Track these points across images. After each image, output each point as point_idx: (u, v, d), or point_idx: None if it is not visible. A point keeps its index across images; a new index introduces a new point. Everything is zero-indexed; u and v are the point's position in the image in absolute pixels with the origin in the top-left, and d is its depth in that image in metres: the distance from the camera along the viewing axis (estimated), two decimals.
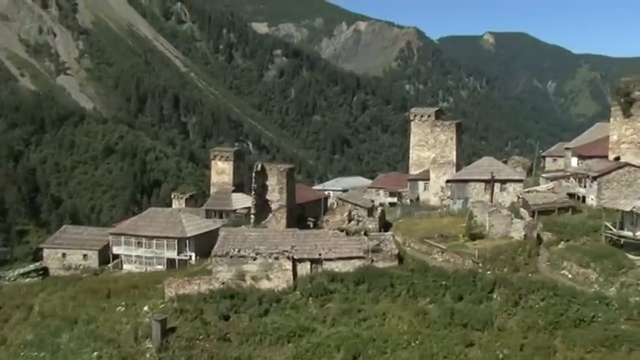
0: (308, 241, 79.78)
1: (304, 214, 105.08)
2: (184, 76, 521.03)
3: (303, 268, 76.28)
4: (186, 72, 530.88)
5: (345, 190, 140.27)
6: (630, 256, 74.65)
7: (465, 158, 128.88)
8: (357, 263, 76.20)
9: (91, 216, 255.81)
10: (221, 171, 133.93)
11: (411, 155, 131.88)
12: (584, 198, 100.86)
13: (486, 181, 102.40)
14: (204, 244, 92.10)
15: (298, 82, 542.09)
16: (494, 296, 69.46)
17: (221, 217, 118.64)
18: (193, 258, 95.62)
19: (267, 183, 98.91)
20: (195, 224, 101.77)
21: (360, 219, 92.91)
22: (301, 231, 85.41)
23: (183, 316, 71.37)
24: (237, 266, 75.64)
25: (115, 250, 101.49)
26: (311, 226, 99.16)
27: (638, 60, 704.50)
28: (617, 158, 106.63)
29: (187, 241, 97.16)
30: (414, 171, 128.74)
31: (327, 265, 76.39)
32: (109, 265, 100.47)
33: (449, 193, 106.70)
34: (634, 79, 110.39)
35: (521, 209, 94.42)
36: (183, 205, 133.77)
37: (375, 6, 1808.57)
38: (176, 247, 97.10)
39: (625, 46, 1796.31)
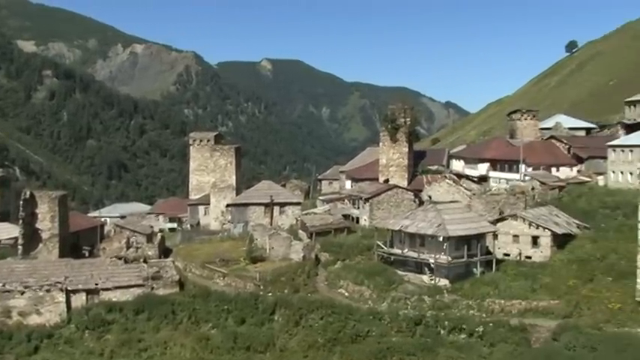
0: (83, 270, 75.72)
1: (79, 243, 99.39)
2: None
3: (78, 300, 72.16)
4: None
5: (122, 217, 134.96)
6: (399, 272, 79.96)
7: (244, 182, 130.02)
8: (137, 291, 73.69)
9: None
10: None
11: (190, 180, 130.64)
12: (357, 219, 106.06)
13: (266, 205, 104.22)
14: None
15: (71, 104, 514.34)
16: (276, 317, 70.49)
17: None
18: None
19: (37, 211, 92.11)
20: None
21: (139, 246, 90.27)
22: (76, 260, 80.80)
23: None
24: (2, 302, 69.65)
25: None
26: (86, 255, 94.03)
27: (403, 89, 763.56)
28: (387, 180, 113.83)
29: None
30: (194, 196, 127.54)
31: (104, 295, 72.99)
32: None
33: (229, 217, 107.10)
34: (399, 107, 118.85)
35: (300, 231, 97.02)
36: None
37: (151, 29, 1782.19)
38: None
39: (390, 76, 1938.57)
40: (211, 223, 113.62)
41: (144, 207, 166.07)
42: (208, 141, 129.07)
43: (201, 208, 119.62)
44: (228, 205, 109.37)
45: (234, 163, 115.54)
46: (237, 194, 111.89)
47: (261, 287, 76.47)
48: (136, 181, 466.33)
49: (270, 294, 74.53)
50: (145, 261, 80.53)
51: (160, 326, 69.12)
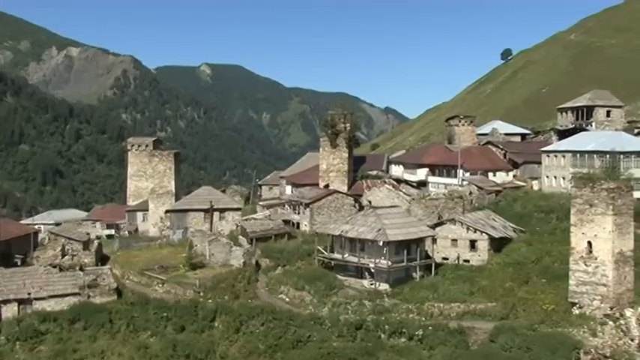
0: (15, 279, 73.16)
1: (10, 251, 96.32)
2: None
3: (9, 310, 69.79)
4: None
5: (58, 224, 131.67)
6: (340, 277, 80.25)
7: (184, 188, 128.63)
8: (72, 300, 71.76)
9: None
10: None
11: (128, 186, 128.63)
12: (298, 224, 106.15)
13: (205, 211, 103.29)
14: None
15: (2, 108, 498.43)
16: (216, 324, 69.78)
17: None
18: None
19: None
20: None
21: (75, 253, 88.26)
22: (7, 269, 78.02)
23: None
24: None
25: None
26: (18, 263, 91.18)
27: (342, 95, 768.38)
28: (327, 186, 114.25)
29: None
30: (132, 202, 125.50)
31: (37, 305, 70.80)
32: None
33: (168, 224, 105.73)
34: (339, 113, 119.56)
35: (240, 237, 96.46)
36: None
37: (87, 31, 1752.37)
38: None
39: (330, 82, 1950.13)
40: (150, 229, 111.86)
41: (80, 214, 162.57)
42: (147, 146, 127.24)
43: (139, 215, 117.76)
44: (167, 211, 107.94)
45: (173, 168, 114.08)
46: (176, 200, 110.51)
47: (201, 294, 75.57)
48: (71, 187, 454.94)
49: (210, 301, 73.69)
50: (81, 269, 78.65)
51: (96, 335, 67.52)
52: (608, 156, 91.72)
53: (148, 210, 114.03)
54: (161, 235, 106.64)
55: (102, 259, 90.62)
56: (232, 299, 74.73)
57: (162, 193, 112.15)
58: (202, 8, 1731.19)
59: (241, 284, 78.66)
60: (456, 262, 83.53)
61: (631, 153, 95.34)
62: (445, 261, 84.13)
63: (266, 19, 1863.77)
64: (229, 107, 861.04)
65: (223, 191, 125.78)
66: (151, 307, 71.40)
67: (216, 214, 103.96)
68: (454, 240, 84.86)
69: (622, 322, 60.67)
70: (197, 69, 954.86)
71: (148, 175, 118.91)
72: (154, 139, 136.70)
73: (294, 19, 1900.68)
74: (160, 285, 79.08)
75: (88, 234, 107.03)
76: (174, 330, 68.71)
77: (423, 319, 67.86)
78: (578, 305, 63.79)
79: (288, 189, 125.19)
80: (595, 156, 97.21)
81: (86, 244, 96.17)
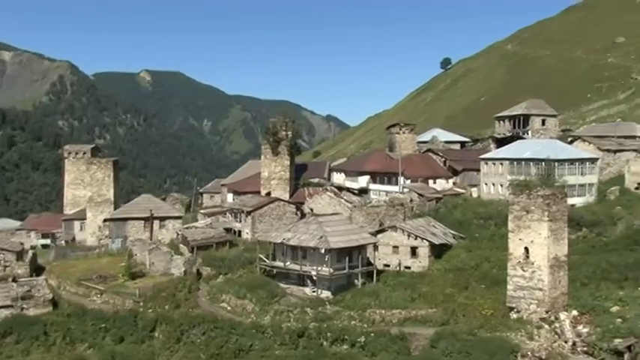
0: None
1: None
2: None
3: None
4: None
5: None
6: (282, 285, 80.00)
7: (123, 196, 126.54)
8: (4, 313, 69.73)
9: None
10: None
11: (65, 194, 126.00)
12: (240, 232, 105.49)
13: (145, 219, 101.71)
14: None
15: None
16: (157, 334, 68.73)
17: None
18: None
19: None
20: None
21: (8, 264, 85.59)
22: None
23: None
24: None
25: None
26: None
27: (284, 102, 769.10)
28: (269, 193, 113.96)
29: None
30: (69, 211, 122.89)
31: None
32: None
33: (107, 232, 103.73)
34: (280, 121, 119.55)
35: (181, 245, 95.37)
36: None
37: (21, 36, 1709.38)
38: None
39: (272, 90, 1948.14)
40: (88, 238, 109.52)
41: (13, 223, 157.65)
42: (84, 154, 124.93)
43: (76, 224, 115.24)
44: (105, 220, 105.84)
45: (112, 176, 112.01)
46: (115, 208, 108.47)
47: (141, 304, 74.24)
48: (4, 195, 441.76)
49: (150, 310, 72.49)
50: (14, 280, 76.34)
51: (30, 349, 65.65)
52: (543, 163, 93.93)
53: (85, 219, 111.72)
54: (99, 244, 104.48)
55: (37, 269, 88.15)
56: (173, 309, 73.66)
57: (101, 201, 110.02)
58: (141, 13, 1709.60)
59: (182, 293, 77.62)
60: (398, 268, 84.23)
61: (565, 160, 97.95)
62: (387, 268, 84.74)
63: (207, 25, 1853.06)
64: (170, 114, 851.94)
65: (164, 199, 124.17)
66: (88, 318, 69.94)
67: (156, 223, 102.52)
68: (395, 247, 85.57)
69: (557, 325, 62.06)
70: (137, 75, 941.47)
71: (85, 184, 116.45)
72: (92, 146, 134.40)
73: (235, 25, 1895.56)
74: (99, 295, 77.40)
75: (21, 244, 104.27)
76: (113, 341, 67.40)
77: (365, 325, 68.08)
78: (515, 310, 64.96)
79: (230, 197, 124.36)
80: (531, 163, 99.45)
81: (19, 255, 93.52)
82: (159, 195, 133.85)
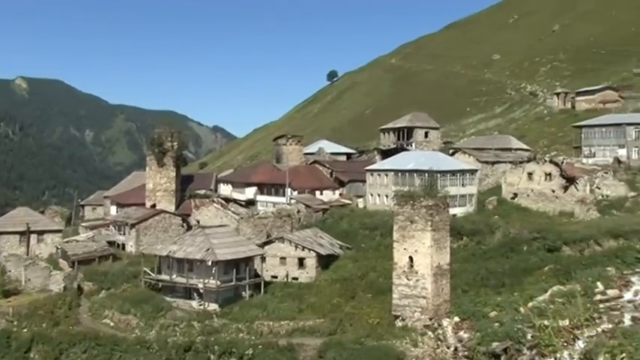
0: None
1: None
2: None
3: None
4: None
5: None
6: (168, 299, 78.28)
7: None
8: None
9: None
10: None
11: None
12: (124, 245, 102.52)
13: (21, 233, 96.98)
14: None
15: None
16: (32, 355, 65.27)
17: None
18: None
19: None
20: None
21: None
22: None
23: None
24: None
25: None
26: None
27: (170, 113, 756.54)
28: (154, 205, 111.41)
29: None
30: None
31: None
32: None
33: None
34: (166, 131, 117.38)
35: (61, 260, 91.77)
36: None
37: None
38: None
39: (157, 100, 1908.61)
40: None
41: None
42: None
43: None
44: None
45: None
46: None
47: (15, 323, 70.40)
48: None
49: (25, 330, 68.81)
50: None
51: None
52: (426, 174, 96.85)
53: None
54: None
55: None
56: (51, 327, 70.31)
57: None
58: (15, 17, 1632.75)
59: (62, 310, 74.41)
60: (285, 280, 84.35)
61: (447, 172, 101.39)
62: (274, 279, 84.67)
63: (86, 32, 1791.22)
64: (48, 124, 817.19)
65: (42, 212, 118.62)
66: None
67: (33, 237, 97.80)
68: (283, 258, 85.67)
69: (440, 331, 63.82)
70: (12, 82, 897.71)
71: None
72: None
73: (117, 33, 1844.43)
74: None
75: None
76: None
77: (253, 338, 67.60)
78: (401, 318, 66.38)
79: (113, 209, 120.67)
80: (415, 174, 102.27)
81: None
82: (37, 208, 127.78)
